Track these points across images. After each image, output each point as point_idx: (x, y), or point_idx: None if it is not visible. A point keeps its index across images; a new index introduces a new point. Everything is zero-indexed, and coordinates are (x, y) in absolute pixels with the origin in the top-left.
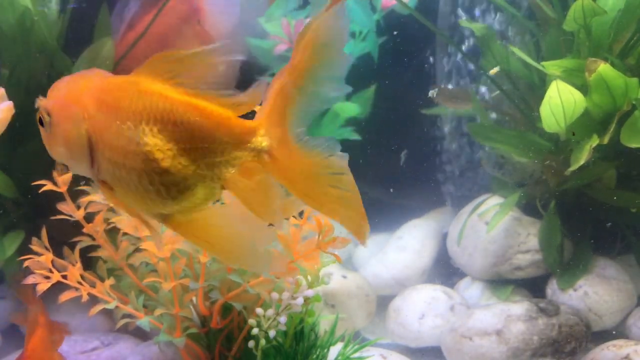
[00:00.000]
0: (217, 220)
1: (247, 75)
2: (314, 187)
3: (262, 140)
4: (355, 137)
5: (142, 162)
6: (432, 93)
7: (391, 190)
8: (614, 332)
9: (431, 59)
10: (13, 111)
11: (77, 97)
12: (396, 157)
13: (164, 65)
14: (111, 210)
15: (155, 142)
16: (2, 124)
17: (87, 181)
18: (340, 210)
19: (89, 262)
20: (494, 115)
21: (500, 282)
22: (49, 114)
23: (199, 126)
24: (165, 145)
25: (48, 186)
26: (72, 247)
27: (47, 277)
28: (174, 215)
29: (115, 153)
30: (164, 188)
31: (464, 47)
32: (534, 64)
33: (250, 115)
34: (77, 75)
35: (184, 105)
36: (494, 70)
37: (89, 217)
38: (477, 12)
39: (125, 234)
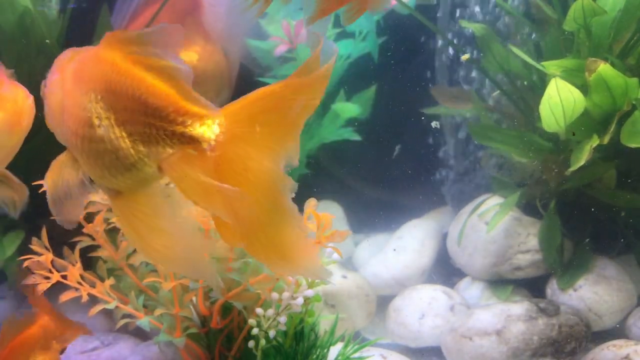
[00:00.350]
0: (157, 211)
1: (247, 76)
2: (257, 216)
3: (205, 131)
4: (356, 137)
5: (83, 127)
6: (434, 124)
7: (391, 190)
8: (618, 326)
9: (432, 58)
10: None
11: (62, 69)
12: (396, 157)
13: (126, 38)
14: (111, 210)
15: (95, 109)
16: (27, 127)
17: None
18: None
19: (89, 262)
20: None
21: (500, 282)
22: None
23: (137, 99)
24: (104, 114)
25: None
26: (72, 247)
27: (47, 277)
28: (120, 194)
29: (70, 119)
30: (100, 157)
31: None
32: (534, 63)
33: None
34: (72, 49)
35: (127, 77)
36: (465, 57)
37: (89, 217)
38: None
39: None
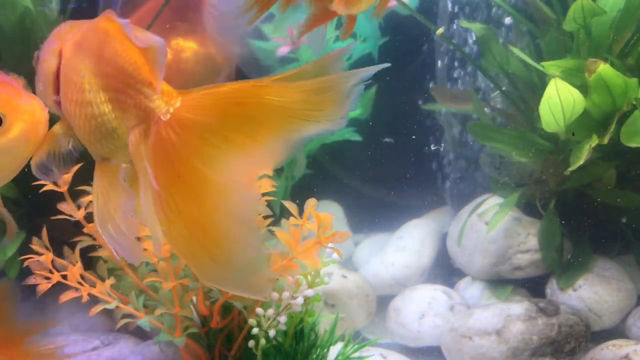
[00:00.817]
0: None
1: (249, 76)
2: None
3: (158, 106)
4: (356, 137)
5: (77, 92)
6: (434, 147)
7: (391, 190)
8: (617, 326)
9: (432, 58)
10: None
11: (61, 38)
12: (396, 158)
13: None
14: None
15: (87, 74)
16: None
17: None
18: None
19: (89, 262)
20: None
21: (500, 282)
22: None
23: (118, 65)
24: (93, 79)
25: (48, 186)
26: (72, 247)
27: (48, 278)
28: (105, 160)
29: (67, 85)
30: (88, 121)
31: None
32: (534, 64)
33: None
34: (70, 22)
35: (114, 44)
36: (439, 31)
37: (90, 217)
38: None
39: None
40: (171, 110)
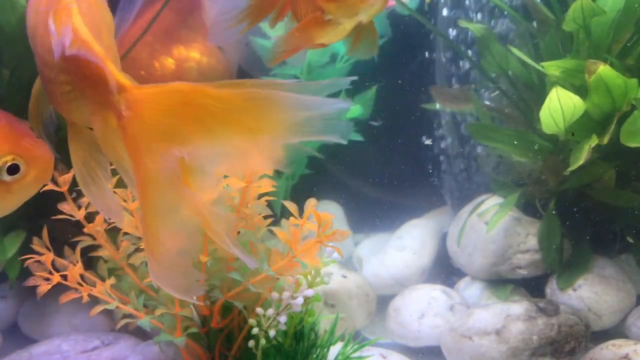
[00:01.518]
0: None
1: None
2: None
3: (119, 100)
4: (358, 137)
5: (44, 69)
6: (426, 141)
7: (391, 190)
8: (617, 326)
9: (430, 58)
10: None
11: (33, 8)
12: (396, 157)
13: None
14: None
15: (49, 58)
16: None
17: None
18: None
19: (90, 262)
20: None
21: (500, 282)
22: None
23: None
24: (60, 61)
25: (49, 186)
26: (73, 247)
27: (48, 279)
28: (74, 123)
29: (38, 59)
30: (55, 97)
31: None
32: (534, 64)
33: None
34: None
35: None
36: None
37: (90, 217)
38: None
39: (125, 233)
40: (128, 105)
